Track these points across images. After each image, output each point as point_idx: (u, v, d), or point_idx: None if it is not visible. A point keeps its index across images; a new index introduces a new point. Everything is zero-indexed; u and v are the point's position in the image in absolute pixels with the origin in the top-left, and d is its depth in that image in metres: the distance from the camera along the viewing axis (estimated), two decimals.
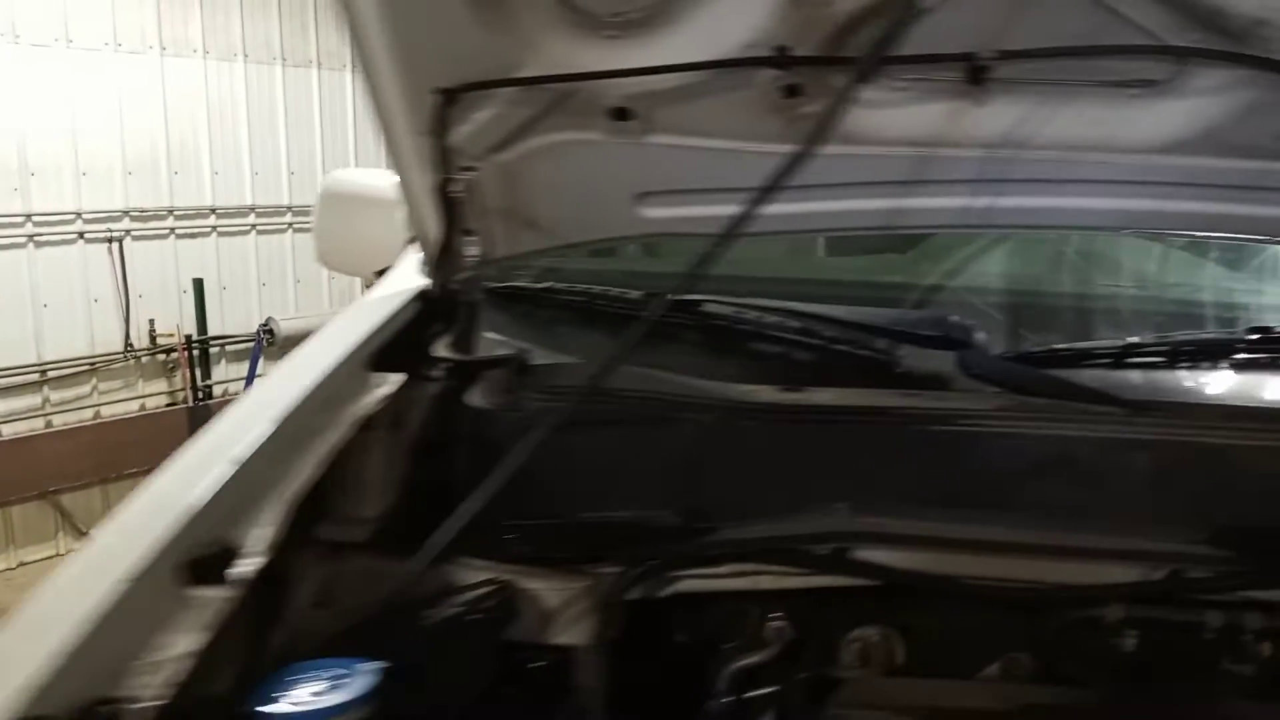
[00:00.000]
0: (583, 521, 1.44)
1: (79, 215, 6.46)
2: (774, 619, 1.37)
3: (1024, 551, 1.32)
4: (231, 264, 7.24)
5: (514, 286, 1.87)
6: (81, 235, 6.50)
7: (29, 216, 6.25)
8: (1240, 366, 1.66)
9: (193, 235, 7.05)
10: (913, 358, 1.63)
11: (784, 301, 1.76)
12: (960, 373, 1.57)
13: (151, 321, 6.86)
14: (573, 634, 1.33)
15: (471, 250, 1.69)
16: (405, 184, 1.58)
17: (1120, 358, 1.66)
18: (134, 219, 6.72)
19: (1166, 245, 2.12)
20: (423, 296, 1.66)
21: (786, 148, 1.51)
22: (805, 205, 1.60)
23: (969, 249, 2.05)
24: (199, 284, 7.02)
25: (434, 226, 1.60)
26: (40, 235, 6.32)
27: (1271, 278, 2.12)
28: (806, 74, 1.40)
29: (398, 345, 1.54)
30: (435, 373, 1.55)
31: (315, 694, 0.96)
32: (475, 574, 1.31)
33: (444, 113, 1.46)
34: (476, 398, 1.57)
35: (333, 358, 1.43)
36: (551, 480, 1.39)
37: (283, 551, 1.14)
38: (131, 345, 6.77)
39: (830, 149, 1.51)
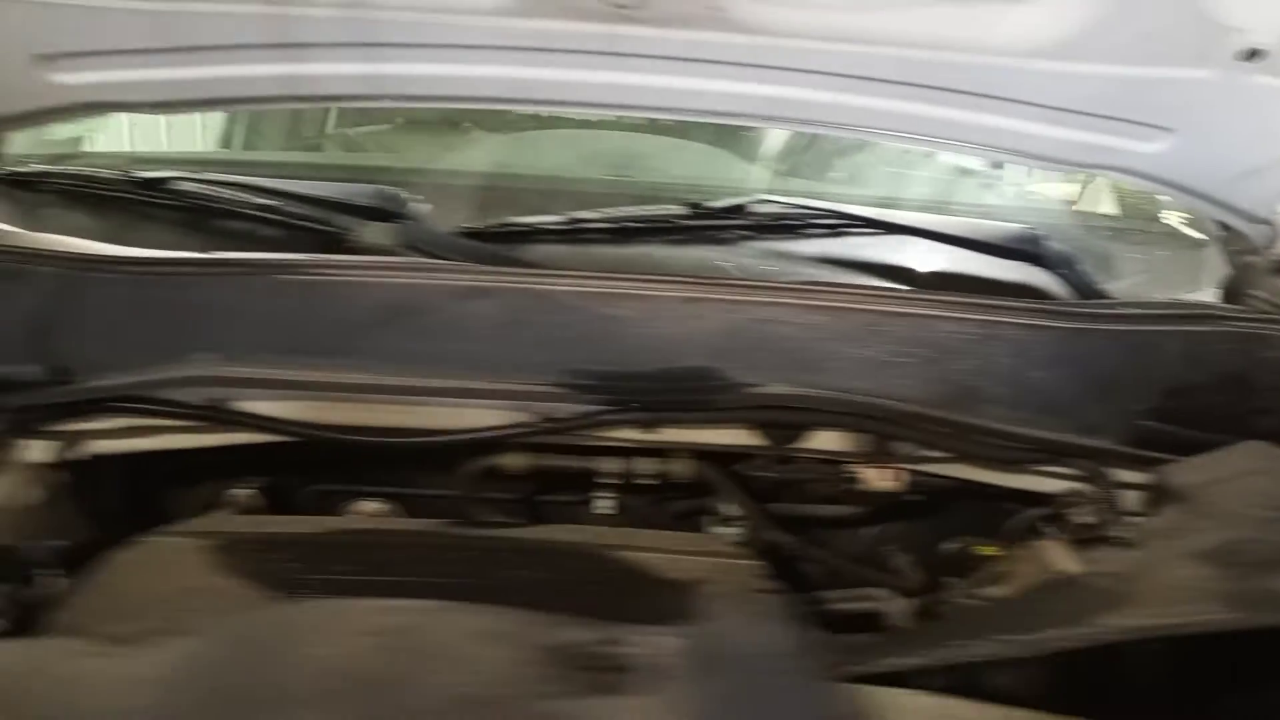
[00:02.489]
0: None
1: None
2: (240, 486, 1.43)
3: (398, 394, 1.33)
4: None
5: (17, 174, 1.81)
6: None
7: None
8: (665, 241, 1.80)
9: None
10: (362, 230, 1.66)
11: (239, 177, 1.80)
12: (396, 241, 1.61)
13: None
14: None
15: None
16: None
17: (566, 232, 1.77)
18: None
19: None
20: None
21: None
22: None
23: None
24: None
25: None
26: None
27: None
28: None
29: None
30: None
31: None
32: None
33: None
34: None
35: None
36: None
37: None
38: None
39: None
